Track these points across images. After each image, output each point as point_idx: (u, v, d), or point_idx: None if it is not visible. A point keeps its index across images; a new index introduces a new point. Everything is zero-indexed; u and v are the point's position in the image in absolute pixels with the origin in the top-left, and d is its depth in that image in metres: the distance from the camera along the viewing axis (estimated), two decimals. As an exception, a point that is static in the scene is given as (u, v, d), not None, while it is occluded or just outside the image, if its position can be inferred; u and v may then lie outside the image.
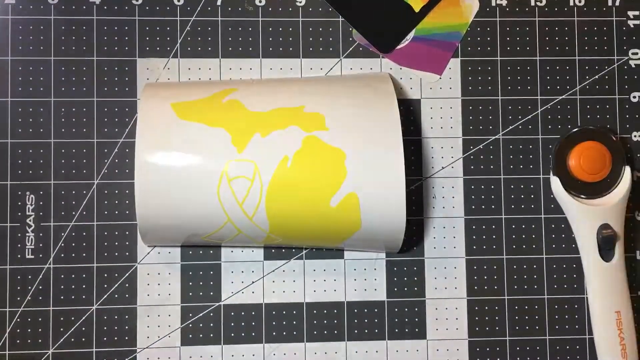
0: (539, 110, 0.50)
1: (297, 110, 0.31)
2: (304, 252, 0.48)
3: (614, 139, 0.48)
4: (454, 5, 0.50)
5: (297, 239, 0.32)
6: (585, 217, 0.47)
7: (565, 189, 0.47)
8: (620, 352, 0.46)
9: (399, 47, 0.49)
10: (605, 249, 0.47)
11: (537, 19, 0.51)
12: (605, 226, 0.47)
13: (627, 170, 0.48)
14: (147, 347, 0.48)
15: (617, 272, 0.47)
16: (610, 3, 0.51)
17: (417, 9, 0.50)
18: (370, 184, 0.31)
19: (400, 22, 0.50)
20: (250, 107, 0.31)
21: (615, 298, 0.47)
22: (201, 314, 0.48)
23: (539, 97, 0.50)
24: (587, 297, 0.48)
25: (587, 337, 0.49)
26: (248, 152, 0.30)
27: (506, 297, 0.49)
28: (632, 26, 0.51)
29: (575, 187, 0.48)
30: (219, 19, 0.49)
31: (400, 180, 0.32)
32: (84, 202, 0.48)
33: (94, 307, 0.48)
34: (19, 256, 0.48)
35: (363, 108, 0.33)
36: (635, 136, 0.50)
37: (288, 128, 0.31)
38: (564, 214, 0.49)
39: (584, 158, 0.47)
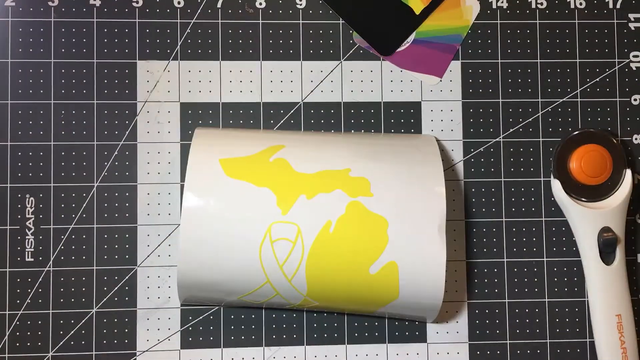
0: (540, 113, 0.50)
1: (342, 173, 0.31)
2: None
3: (615, 142, 0.48)
4: (454, 7, 0.50)
5: (334, 303, 0.32)
6: (586, 220, 0.47)
7: (566, 192, 0.47)
8: (621, 355, 0.46)
9: (399, 49, 0.49)
10: (606, 252, 0.47)
11: (537, 21, 0.51)
12: (606, 229, 0.46)
13: (628, 174, 0.47)
14: (146, 350, 0.48)
15: (618, 275, 0.47)
16: (611, 5, 0.51)
17: (417, 12, 0.49)
18: (411, 254, 0.30)
19: (400, 25, 0.49)
20: (296, 167, 0.31)
21: (616, 301, 0.47)
22: (201, 317, 0.48)
23: (539, 100, 0.50)
24: (587, 300, 0.48)
25: (587, 340, 0.49)
26: (292, 214, 0.30)
27: (507, 301, 0.49)
28: (633, 28, 0.51)
29: (576, 190, 0.48)
30: (219, 21, 0.49)
31: (441, 254, 0.32)
32: (84, 205, 0.48)
33: (94, 310, 0.48)
34: (18, 259, 0.47)
35: (408, 175, 0.32)
36: (636, 139, 0.50)
37: (333, 192, 0.30)
38: (565, 217, 0.49)
39: (585, 161, 0.47)
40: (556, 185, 0.48)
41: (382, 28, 0.50)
